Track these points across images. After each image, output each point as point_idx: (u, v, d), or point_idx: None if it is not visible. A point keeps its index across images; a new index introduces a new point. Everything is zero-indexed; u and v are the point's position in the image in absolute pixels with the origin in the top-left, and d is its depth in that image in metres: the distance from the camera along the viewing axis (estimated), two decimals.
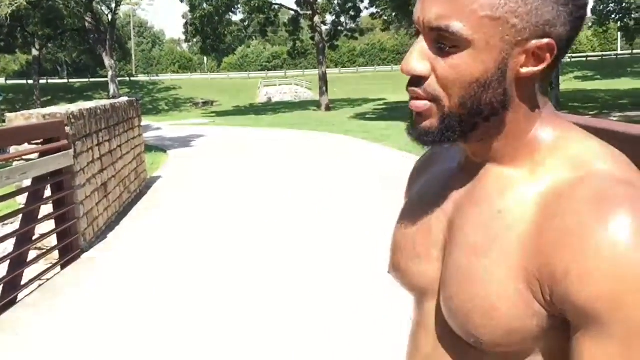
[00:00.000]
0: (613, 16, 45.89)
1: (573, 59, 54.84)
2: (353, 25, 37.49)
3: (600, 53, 62.84)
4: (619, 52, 62.86)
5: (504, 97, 0.69)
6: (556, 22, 0.67)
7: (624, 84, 39.29)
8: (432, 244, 0.78)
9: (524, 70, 0.68)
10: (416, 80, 0.70)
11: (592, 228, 0.61)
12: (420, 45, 0.69)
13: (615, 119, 19.50)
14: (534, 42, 0.67)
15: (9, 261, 4.67)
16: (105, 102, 7.83)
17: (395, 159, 11.49)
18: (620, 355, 0.60)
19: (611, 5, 46.20)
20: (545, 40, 0.67)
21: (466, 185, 0.76)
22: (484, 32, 0.66)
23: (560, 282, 0.62)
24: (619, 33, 52.86)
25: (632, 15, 41.41)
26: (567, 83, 35.64)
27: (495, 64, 0.67)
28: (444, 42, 0.67)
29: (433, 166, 0.87)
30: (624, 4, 41.70)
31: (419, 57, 0.69)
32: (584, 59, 57.50)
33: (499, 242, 0.68)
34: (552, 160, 0.70)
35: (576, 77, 46.82)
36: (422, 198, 0.82)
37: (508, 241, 0.68)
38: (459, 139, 0.72)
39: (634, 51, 58.04)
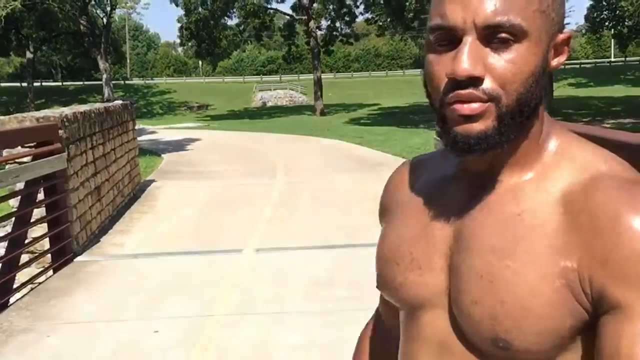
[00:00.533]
0: (607, 23, 46.19)
1: (567, 66, 55.12)
2: (348, 31, 37.60)
3: (593, 60, 63.20)
4: (613, 59, 63.25)
5: (542, 93, 0.71)
6: (564, 17, 0.72)
7: (618, 91, 39.51)
8: (435, 254, 0.77)
9: (554, 63, 0.72)
10: (471, 83, 0.68)
11: (625, 218, 0.64)
12: (472, 46, 0.67)
13: (608, 126, 19.60)
14: (561, 35, 0.71)
15: (0, 264, 4.64)
16: (100, 106, 7.81)
17: (394, 165, 11.50)
18: None
19: (605, 12, 46.50)
20: (567, 33, 0.71)
21: (471, 193, 0.76)
22: (536, 25, 0.68)
23: (600, 270, 0.64)
24: (613, 40, 53.18)
25: (626, 23, 41.66)
26: (561, 90, 35.80)
27: (543, 56, 0.70)
28: (503, 38, 0.67)
29: (417, 177, 0.86)
30: (618, 12, 41.96)
31: (474, 58, 0.67)
32: (578, 65, 57.77)
33: (525, 244, 0.69)
34: (560, 164, 0.72)
35: (570, 84, 47.05)
36: (417, 209, 0.81)
37: (534, 242, 0.69)
38: (510, 141, 0.71)
39: (628, 58, 58.39)
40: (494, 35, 0.67)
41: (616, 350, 0.63)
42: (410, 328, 0.79)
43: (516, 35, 0.67)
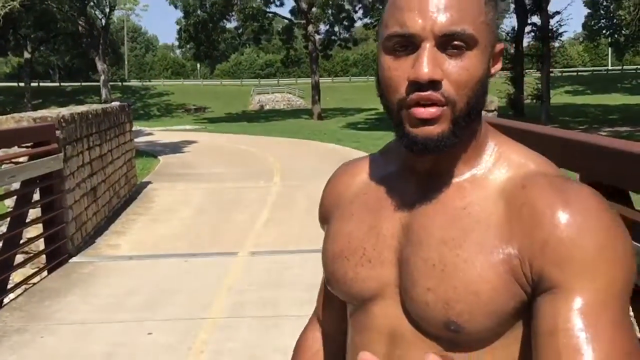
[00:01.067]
0: (604, 32, 46.41)
1: (564, 74, 55.31)
2: (346, 35, 37.69)
3: (591, 68, 63.39)
4: (610, 67, 63.48)
5: (486, 96, 0.78)
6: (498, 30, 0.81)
7: (614, 99, 39.67)
8: (385, 248, 0.81)
9: (492, 70, 0.79)
10: (431, 86, 0.72)
11: (560, 209, 0.72)
12: (430, 51, 0.72)
13: (604, 133, 19.66)
14: (498, 46, 0.79)
15: None
16: (97, 107, 7.81)
17: None
18: (588, 306, 0.69)
19: (602, 21, 46.73)
20: (501, 45, 0.80)
21: (419, 190, 0.81)
22: (484, 35, 0.75)
23: (540, 255, 0.72)
24: (610, 49, 53.40)
25: (623, 32, 41.86)
26: (558, 97, 35.88)
27: (487, 64, 0.77)
28: (457, 45, 0.73)
29: (360, 177, 0.90)
30: (615, 20, 42.16)
31: (433, 63, 0.72)
32: (575, 73, 57.99)
33: (473, 235, 0.75)
34: (498, 163, 0.80)
35: (567, 92, 47.18)
36: (364, 206, 0.85)
37: (481, 233, 0.75)
38: (459, 142, 0.77)
39: (625, 67, 58.62)
40: (449, 43, 0.73)
41: (554, 327, 0.69)
42: (361, 320, 0.83)
43: (468, 43, 0.73)
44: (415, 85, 0.72)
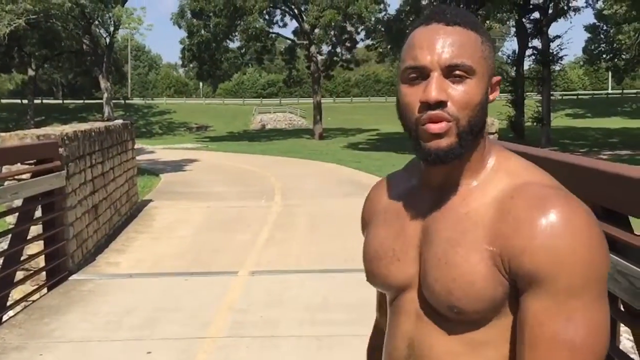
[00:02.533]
0: (604, 56, 46.69)
1: (565, 97, 55.53)
2: (349, 56, 37.93)
3: (591, 92, 63.68)
4: (610, 91, 63.75)
5: (486, 117, 0.96)
6: (495, 66, 0.99)
7: (615, 122, 39.79)
8: (409, 247, 1.00)
9: (491, 97, 0.97)
10: (438, 106, 0.91)
11: (539, 219, 0.86)
12: (437, 79, 0.91)
13: (605, 157, 19.69)
14: (495, 78, 0.98)
15: None
16: (100, 125, 7.85)
17: None
18: (555, 306, 0.85)
19: (602, 45, 47.03)
20: (498, 77, 0.99)
21: (433, 199, 0.99)
22: (480, 67, 0.94)
23: (517, 257, 0.87)
24: (609, 72, 53.68)
25: (622, 56, 42.12)
26: (558, 120, 36.00)
27: (485, 90, 0.95)
28: (458, 74, 0.92)
29: (390, 190, 1.10)
30: (615, 45, 42.44)
31: (440, 88, 0.91)
32: (575, 97, 58.22)
33: (469, 235, 0.92)
34: (497, 174, 0.96)
35: (567, 115, 47.36)
36: (395, 214, 1.05)
37: (476, 233, 0.92)
38: (465, 154, 0.95)
39: (625, 91, 58.87)
40: (451, 72, 0.92)
41: (532, 321, 0.86)
42: (395, 305, 1.03)
43: (468, 73, 0.92)
44: (426, 105, 0.91)
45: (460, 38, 0.93)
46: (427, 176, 1.00)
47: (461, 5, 26.01)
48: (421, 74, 0.92)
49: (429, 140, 0.92)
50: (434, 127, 0.91)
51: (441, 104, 0.91)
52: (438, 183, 0.99)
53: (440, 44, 0.92)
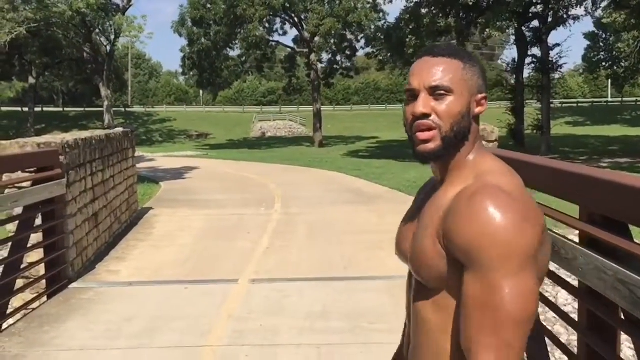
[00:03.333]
0: (603, 64, 46.79)
1: (564, 105, 55.60)
2: (349, 64, 38.01)
3: (590, 99, 63.77)
4: (610, 99, 63.85)
5: (469, 126, 1.23)
6: (483, 87, 1.25)
7: (614, 130, 39.83)
8: (409, 229, 1.30)
9: (476, 111, 1.24)
10: (423, 117, 1.20)
11: (468, 206, 1.11)
12: (424, 97, 1.21)
13: (605, 165, 19.69)
14: (479, 95, 1.24)
15: None
16: (101, 133, 7.86)
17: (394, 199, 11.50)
18: (479, 278, 1.07)
19: (602, 53, 47.15)
20: (483, 94, 1.25)
21: (433, 192, 1.27)
22: (460, 87, 1.21)
23: (452, 239, 1.13)
24: (609, 80, 53.78)
25: (622, 64, 42.20)
26: (558, 128, 36.05)
27: (466, 104, 1.22)
28: (439, 93, 1.20)
29: (423, 188, 1.39)
30: (614, 53, 42.54)
31: (426, 103, 1.20)
32: (575, 104, 58.29)
33: (432, 221, 1.19)
34: (470, 174, 1.20)
35: (567, 122, 47.42)
36: (415, 204, 1.36)
37: (436, 219, 1.18)
38: (452, 155, 1.22)
39: (624, 99, 58.95)
40: (434, 92, 1.20)
41: (465, 293, 1.09)
42: (407, 279, 1.34)
43: (447, 91, 1.20)
44: (416, 117, 1.21)
45: (442, 65, 1.21)
46: (434, 174, 1.29)
47: (461, 14, 26.12)
48: (413, 95, 1.22)
49: (419, 144, 1.21)
50: (422, 135, 1.20)
51: (426, 116, 1.19)
52: (438, 179, 1.27)
53: (426, 71, 1.22)
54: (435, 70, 1.20)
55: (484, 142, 1.19)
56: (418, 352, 1.23)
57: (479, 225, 1.07)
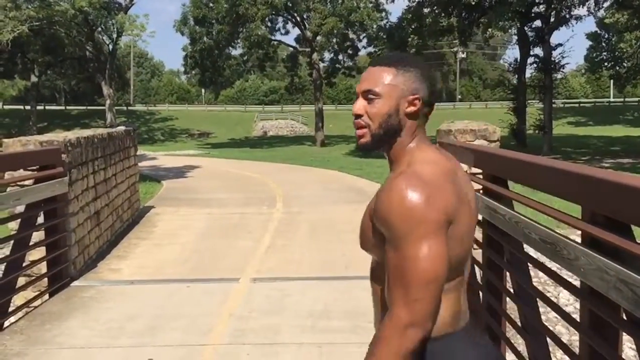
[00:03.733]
0: (605, 64, 46.74)
1: (566, 105, 55.53)
2: (350, 64, 37.98)
3: (593, 99, 63.67)
4: (612, 99, 63.74)
5: (399, 124, 1.46)
6: (419, 88, 1.47)
7: (616, 131, 39.77)
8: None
9: (407, 110, 1.46)
10: (357, 117, 1.48)
11: (387, 191, 1.37)
12: (359, 100, 1.49)
13: (607, 165, 19.67)
14: (410, 96, 1.46)
15: None
16: (103, 131, 7.87)
17: None
18: (392, 247, 1.34)
19: (604, 53, 47.10)
20: (415, 95, 1.46)
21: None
22: (387, 91, 1.46)
23: (375, 216, 1.38)
24: (611, 81, 53.71)
25: (624, 64, 42.15)
26: (560, 128, 36.02)
27: (393, 106, 1.46)
28: (370, 97, 1.46)
29: None
30: (617, 53, 42.49)
31: (360, 106, 1.48)
32: (577, 104, 58.20)
33: (371, 203, 1.43)
34: (404, 164, 1.43)
35: (569, 123, 47.35)
36: None
37: (372, 202, 1.42)
38: (383, 149, 1.49)
39: (627, 99, 58.85)
40: (366, 95, 1.47)
41: (386, 261, 1.37)
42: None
43: (376, 95, 1.45)
44: (354, 117, 1.49)
45: (376, 73, 1.46)
46: None
47: (463, 14, 26.10)
48: (356, 97, 1.50)
49: (358, 139, 1.48)
50: (357, 132, 1.49)
51: (359, 116, 1.47)
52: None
53: (364, 78, 1.49)
54: (370, 77, 1.47)
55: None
56: (375, 322, 1.50)
57: (391, 203, 1.33)
